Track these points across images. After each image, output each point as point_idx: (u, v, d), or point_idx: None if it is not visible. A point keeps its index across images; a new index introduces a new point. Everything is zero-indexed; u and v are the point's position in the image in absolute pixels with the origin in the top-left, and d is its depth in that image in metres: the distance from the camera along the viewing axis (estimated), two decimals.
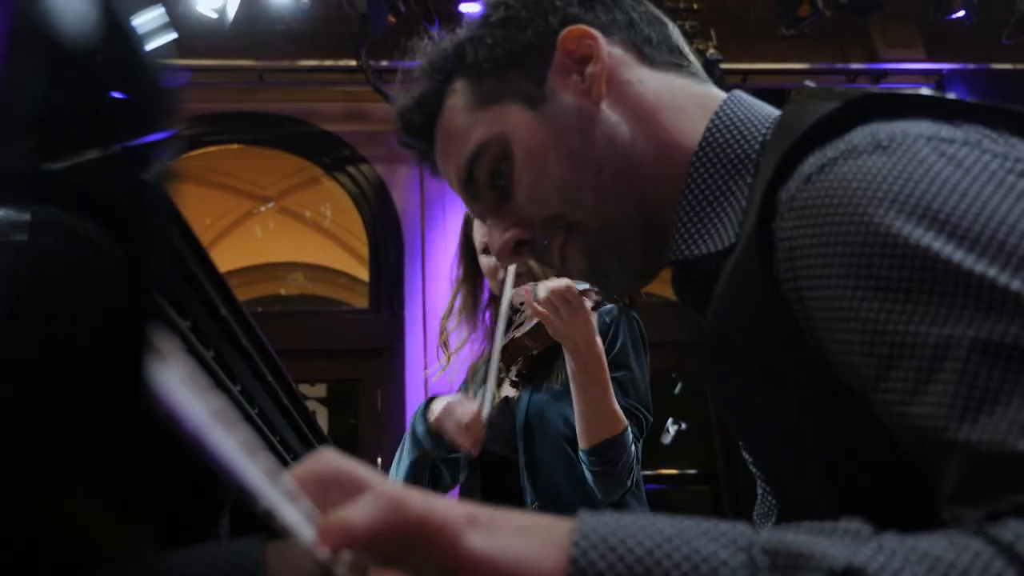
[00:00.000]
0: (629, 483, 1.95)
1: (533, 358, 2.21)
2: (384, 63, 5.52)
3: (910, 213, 0.68)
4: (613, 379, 2.01)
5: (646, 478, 2.27)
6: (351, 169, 5.87)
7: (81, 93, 0.43)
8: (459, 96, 1.03)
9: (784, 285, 0.77)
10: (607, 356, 2.03)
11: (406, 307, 5.45)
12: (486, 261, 2.24)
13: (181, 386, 0.43)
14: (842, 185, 0.73)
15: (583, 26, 0.99)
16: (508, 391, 2.23)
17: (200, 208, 6.71)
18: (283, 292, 8.05)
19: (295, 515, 0.54)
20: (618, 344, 2.10)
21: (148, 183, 0.47)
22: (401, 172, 5.80)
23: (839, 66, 5.94)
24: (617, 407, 1.93)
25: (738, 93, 0.99)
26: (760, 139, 0.92)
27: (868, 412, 0.71)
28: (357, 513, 0.58)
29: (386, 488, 0.61)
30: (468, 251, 2.34)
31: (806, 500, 0.87)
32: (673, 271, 0.98)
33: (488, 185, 1.02)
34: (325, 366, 5.62)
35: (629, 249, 1.00)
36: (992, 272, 0.63)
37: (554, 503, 2.01)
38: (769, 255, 0.78)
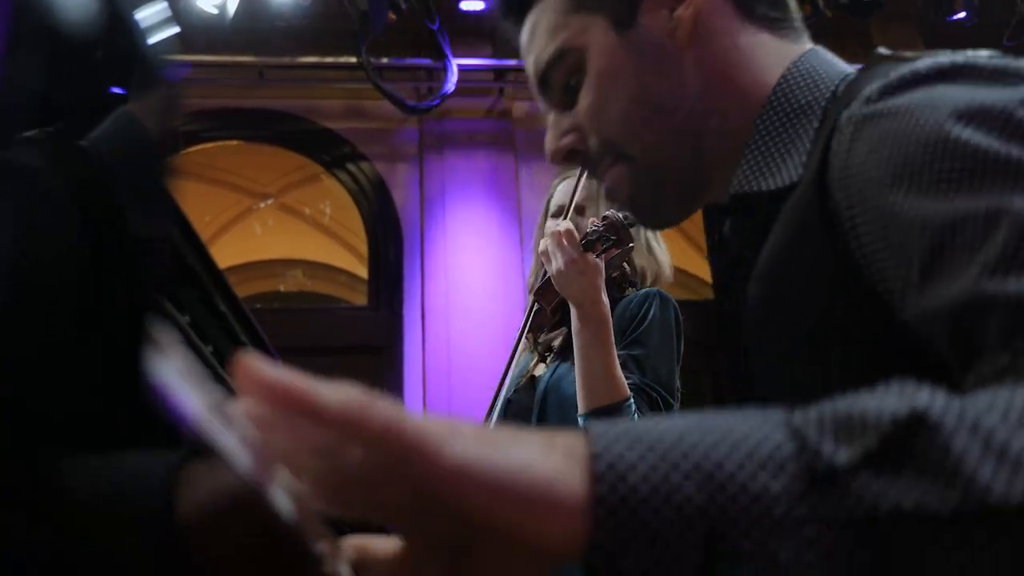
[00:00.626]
0: None
1: (556, 322, 2.15)
2: (384, 61, 5.52)
3: (970, 119, 0.69)
4: (631, 356, 1.97)
5: None
6: (351, 166, 5.86)
7: (82, 89, 0.43)
8: None
9: (835, 196, 0.77)
10: (633, 333, 2.01)
11: (405, 305, 5.45)
12: (551, 224, 2.17)
13: (179, 378, 0.43)
14: (903, 101, 0.75)
15: None
16: (539, 369, 2.18)
17: (199, 204, 6.70)
18: (282, 289, 8.05)
19: (289, 505, 0.51)
20: (646, 323, 2.04)
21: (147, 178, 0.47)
22: (401, 170, 5.80)
23: None
24: (620, 375, 1.83)
25: (819, 48, 1.01)
26: (831, 89, 0.93)
27: (913, 361, 0.67)
28: (326, 391, 0.49)
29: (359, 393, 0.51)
30: (546, 219, 2.32)
31: None
32: (732, 208, 0.98)
33: (561, 89, 1.03)
34: (323, 363, 5.54)
35: (669, 194, 1.02)
36: None
37: None
38: (824, 175, 0.79)
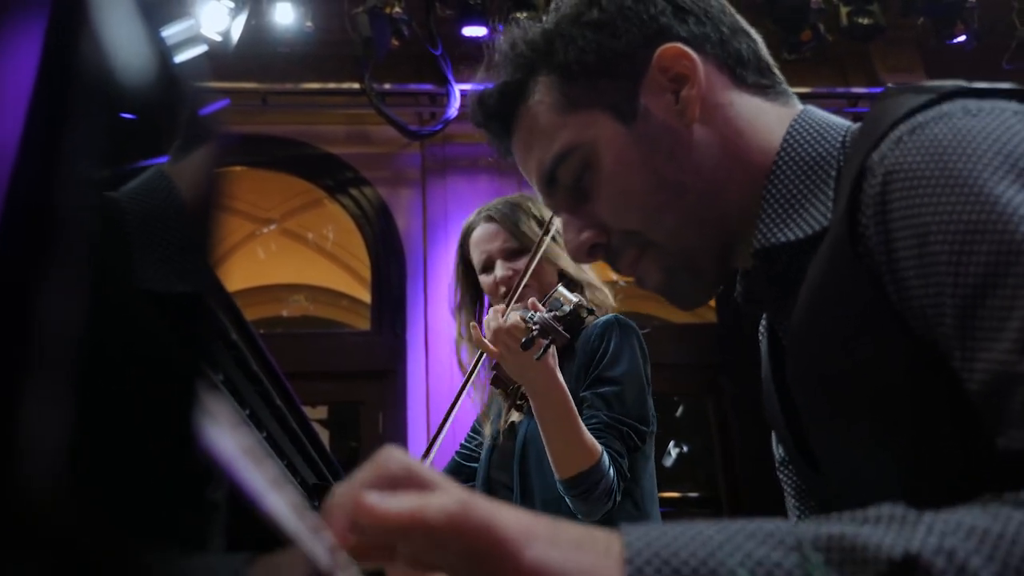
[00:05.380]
0: (610, 503, 1.85)
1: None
2: (387, 86, 5.54)
3: (997, 168, 0.72)
4: (598, 395, 1.95)
5: None
6: (354, 191, 5.87)
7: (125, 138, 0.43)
8: (546, 93, 1.02)
9: (871, 239, 0.79)
10: (596, 369, 1.99)
11: (408, 329, 5.45)
12: (486, 280, 2.19)
13: (215, 423, 0.43)
14: (933, 144, 0.76)
15: (680, 45, 0.99)
16: (515, 416, 2.15)
17: None
18: (285, 314, 8.04)
19: (319, 547, 0.54)
20: (608, 356, 2.01)
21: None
22: (403, 194, 5.81)
23: (840, 90, 5.95)
24: (588, 440, 1.82)
25: (811, 107, 1.01)
26: (840, 139, 0.94)
27: (948, 390, 0.73)
28: (434, 503, 0.59)
29: (456, 489, 0.62)
30: (467, 272, 2.29)
31: (870, 489, 0.88)
32: (755, 263, 0.98)
33: (570, 186, 1.03)
34: (327, 388, 5.61)
35: (704, 269, 1.02)
36: None
37: None
38: (856, 214, 0.81)
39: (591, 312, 2.10)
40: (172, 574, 0.41)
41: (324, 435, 6.91)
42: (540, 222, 2.17)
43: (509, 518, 0.60)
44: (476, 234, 2.24)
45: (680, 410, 7.38)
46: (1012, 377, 0.66)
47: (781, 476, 1.20)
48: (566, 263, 2.15)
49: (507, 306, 1.99)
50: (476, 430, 2.39)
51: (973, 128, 0.76)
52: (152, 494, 0.38)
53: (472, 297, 2.29)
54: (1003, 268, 0.68)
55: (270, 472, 0.47)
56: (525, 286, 2.05)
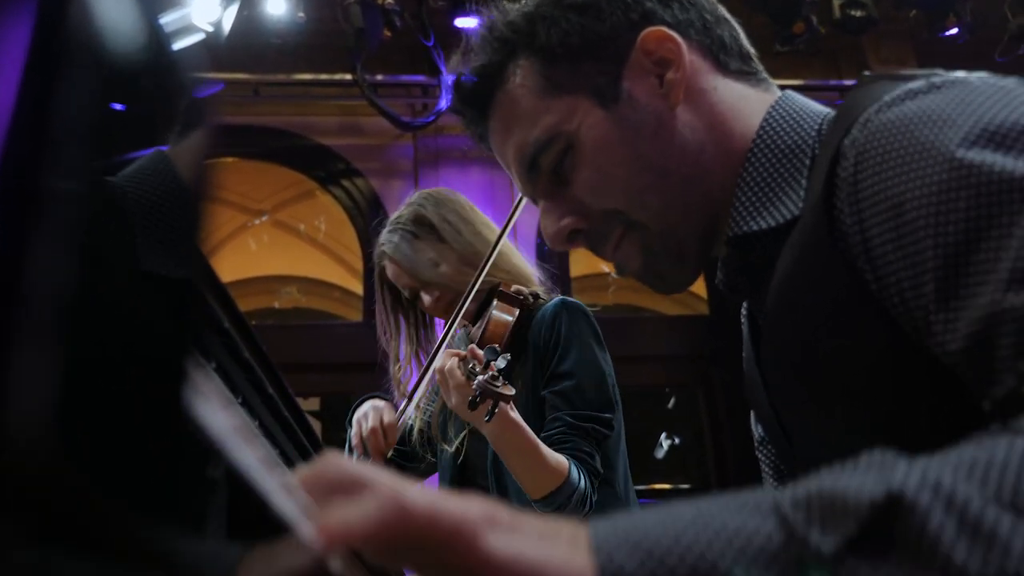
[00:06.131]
0: (587, 507, 1.78)
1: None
2: (379, 77, 5.53)
3: (967, 133, 0.71)
4: (556, 392, 1.89)
5: (639, 493, 2.15)
6: (345, 182, 5.87)
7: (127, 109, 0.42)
8: (527, 76, 1.01)
9: (846, 221, 0.78)
10: (550, 365, 1.93)
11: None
12: (424, 305, 2.17)
13: (205, 400, 0.43)
14: (900, 119, 0.76)
15: (664, 28, 0.99)
16: None
17: None
18: (277, 305, 8.02)
19: (296, 512, 0.52)
20: (559, 348, 1.93)
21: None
22: (396, 186, 5.81)
23: (833, 83, 5.96)
24: (552, 461, 1.74)
25: (790, 92, 1.01)
26: (816, 126, 0.93)
27: (926, 371, 0.72)
28: (356, 513, 0.52)
29: (389, 487, 0.55)
30: (394, 300, 2.29)
31: None
32: (728, 250, 0.98)
33: (550, 173, 1.02)
34: (318, 380, 5.60)
35: (686, 253, 1.01)
36: None
37: None
38: (831, 199, 0.80)
39: (537, 296, 2.08)
40: (166, 550, 0.41)
41: (316, 426, 6.90)
42: (440, 238, 2.13)
43: (453, 505, 0.54)
44: (388, 273, 2.24)
45: (672, 402, 7.39)
46: (1000, 314, 0.63)
47: (759, 456, 1.21)
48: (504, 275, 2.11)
49: (444, 338, 2.00)
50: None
51: (938, 99, 0.75)
52: (144, 468, 0.38)
53: (399, 326, 2.38)
54: (984, 220, 0.67)
55: (259, 452, 0.47)
56: (463, 308, 2.01)
